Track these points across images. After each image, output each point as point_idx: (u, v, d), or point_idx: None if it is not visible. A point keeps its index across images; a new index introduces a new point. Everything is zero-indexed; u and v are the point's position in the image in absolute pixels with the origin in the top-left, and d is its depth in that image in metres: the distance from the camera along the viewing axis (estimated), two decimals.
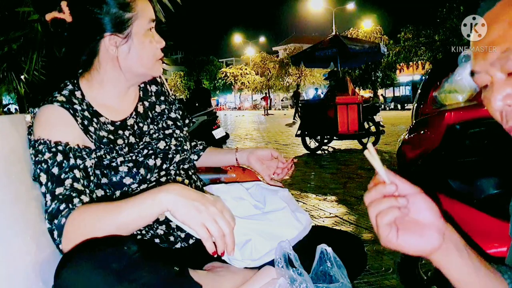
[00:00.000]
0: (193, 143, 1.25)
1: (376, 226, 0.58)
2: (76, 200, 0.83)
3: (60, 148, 0.87)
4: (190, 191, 0.79)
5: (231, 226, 0.77)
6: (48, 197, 0.84)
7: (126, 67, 0.96)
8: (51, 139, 0.87)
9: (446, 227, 0.58)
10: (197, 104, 8.40)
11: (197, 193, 0.79)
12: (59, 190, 0.84)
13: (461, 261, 0.58)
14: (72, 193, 0.84)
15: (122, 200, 0.81)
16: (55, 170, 0.85)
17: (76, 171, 0.87)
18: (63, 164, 0.86)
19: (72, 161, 0.87)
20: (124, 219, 0.79)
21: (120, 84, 0.99)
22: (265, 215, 1.00)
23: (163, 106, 1.11)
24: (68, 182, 0.85)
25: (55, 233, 0.81)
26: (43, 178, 0.85)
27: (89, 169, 0.90)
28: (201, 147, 1.27)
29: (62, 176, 0.85)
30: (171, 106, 1.13)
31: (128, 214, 0.79)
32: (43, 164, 0.86)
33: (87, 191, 0.87)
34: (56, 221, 0.81)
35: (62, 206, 0.82)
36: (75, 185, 0.85)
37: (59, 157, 0.86)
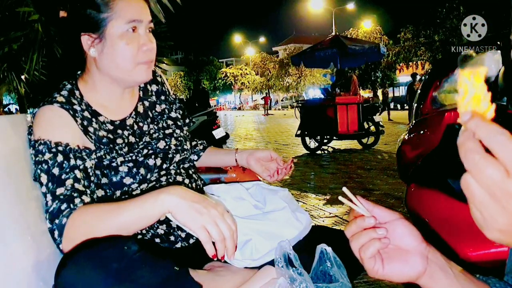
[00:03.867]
0: (193, 143, 1.25)
1: (361, 259, 0.59)
2: (77, 200, 0.84)
3: (60, 148, 0.87)
4: (192, 193, 0.79)
5: (232, 229, 0.77)
6: (49, 197, 0.84)
7: (104, 70, 0.95)
8: (51, 139, 0.87)
9: (429, 250, 0.59)
10: (196, 105, 8.41)
11: (199, 195, 0.79)
12: (60, 191, 0.84)
13: (447, 282, 0.58)
14: (73, 193, 0.84)
15: (124, 201, 0.81)
16: (56, 171, 0.85)
17: (76, 171, 0.87)
18: (64, 165, 0.86)
19: (72, 161, 0.87)
20: (125, 219, 0.79)
21: (109, 85, 0.99)
22: (265, 215, 1.00)
23: (163, 106, 1.11)
24: (69, 182, 0.85)
25: (56, 233, 0.81)
26: (44, 178, 0.86)
27: (89, 170, 0.90)
28: (201, 147, 1.27)
29: (63, 177, 0.85)
30: (171, 106, 1.13)
31: (129, 215, 0.79)
32: (43, 165, 0.86)
33: (88, 191, 0.87)
34: (57, 221, 0.81)
35: (63, 206, 0.82)
36: (76, 185, 0.85)
37: (60, 158, 0.86)
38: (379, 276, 0.58)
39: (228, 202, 1.00)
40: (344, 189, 0.61)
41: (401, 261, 0.58)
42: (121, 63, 0.94)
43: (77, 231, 0.80)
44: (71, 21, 0.93)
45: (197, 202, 0.77)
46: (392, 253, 0.59)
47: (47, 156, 0.86)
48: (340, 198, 0.62)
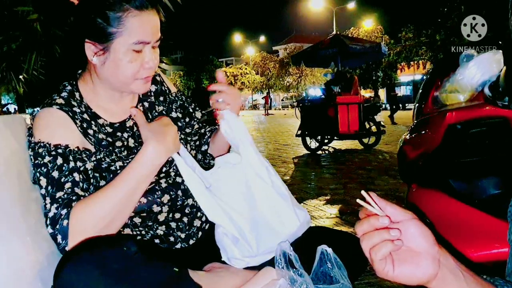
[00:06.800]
0: (202, 130, 1.18)
1: (371, 260, 0.57)
2: (75, 204, 0.84)
3: (59, 151, 0.87)
4: (159, 140, 0.89)
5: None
6: (48, 200, 0.84)
7: (102, 77, 0.94)
8: (51, 142, 0.87)
9: (441, 253, 0.58)
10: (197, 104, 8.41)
11: (158, 133, 0.90)
12: (59, 194, 0.84)
13: (458, 285, 0.57)
14: (71, 197, 0.84)
15: (113, 181, 0.87)
16: (55, 174, 0.85)
17: (76, 174, 0.87)
18: (63, 168, 0.86)
19: (72, 164, 0.87)
20: (124, 190, 0.86)
21: (108, 89, 0.98)
22: (263, 210, 0.99)
23: (161, 108, 1.09)
24: (68, 186, 0.85)
25: (59, 237, 0.82)
26: (43, 181, 0.86)
27: (89, 172, 0.90)
28: (209, 134, 1.18)
29: (62, 180, 0.85)
30: (171, 105, 1.12)
31: (126, 185, 0.86)
32: (43, 168, 0.86)
33: (87, 194, 0.87)
34: (58, 226, 0.82)
35: (63, 211, 0.83)
36: (75, 189, 0.86)
37: (59, 160, 0.86)
38: (389, 278, 0.57)
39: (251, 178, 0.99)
40: (363, 192, 0.59)
41: (412, 263, 0.56)
42: (122, 77, 0.92)
43: (82, 224, 0.82)
44: (79, 24, 0.91)
45: (166, 142, 0.90)
46: (403, 254, 0.57)
47: (47, 159, 0.86)
48: (358, 201, 0.59)
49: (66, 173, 0.86)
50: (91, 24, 0.88)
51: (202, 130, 1.18)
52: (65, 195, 0.84)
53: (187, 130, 1.14)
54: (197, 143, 1.17)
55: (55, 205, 0.83)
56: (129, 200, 0.87)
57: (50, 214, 0.83)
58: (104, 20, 0.87)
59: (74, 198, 0.84)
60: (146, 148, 0.89)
